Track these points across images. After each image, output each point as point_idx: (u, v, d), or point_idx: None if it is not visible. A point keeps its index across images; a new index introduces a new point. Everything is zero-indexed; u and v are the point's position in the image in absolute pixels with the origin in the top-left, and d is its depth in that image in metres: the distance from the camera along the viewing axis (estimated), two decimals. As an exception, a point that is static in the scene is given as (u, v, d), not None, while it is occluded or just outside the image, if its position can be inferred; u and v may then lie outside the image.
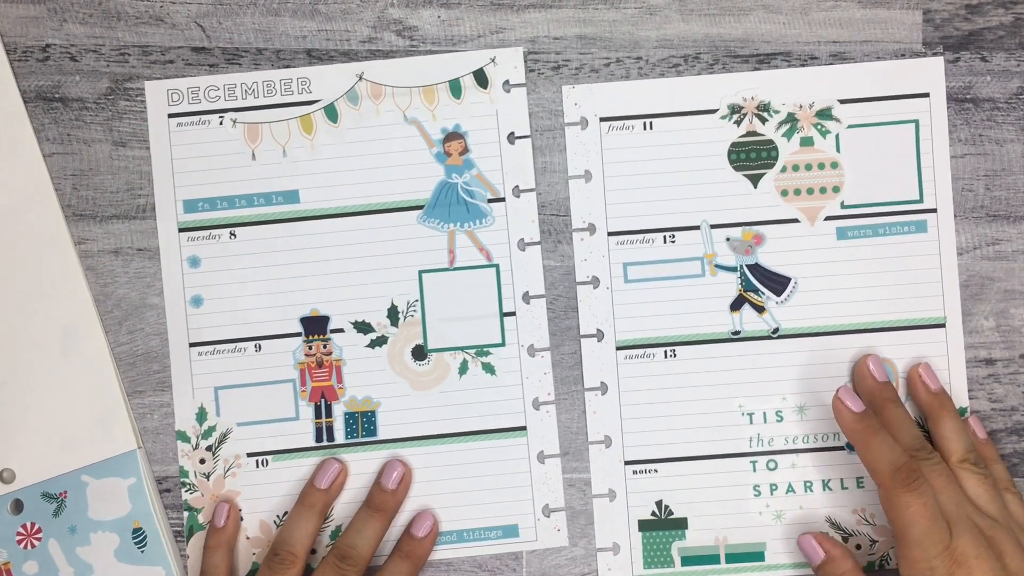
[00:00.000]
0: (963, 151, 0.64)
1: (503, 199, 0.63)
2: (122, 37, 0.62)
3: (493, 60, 0.63)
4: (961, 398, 0.62)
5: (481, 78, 0.63)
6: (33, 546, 0.60)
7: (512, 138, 0.63)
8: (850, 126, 0.63)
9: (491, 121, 0.63)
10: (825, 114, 0.63)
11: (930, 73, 0.63)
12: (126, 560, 0.60)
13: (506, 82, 0.63)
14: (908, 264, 0.63)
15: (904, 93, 0.63)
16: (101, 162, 0.62)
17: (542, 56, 0.63)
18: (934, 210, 0.63)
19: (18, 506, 0.61)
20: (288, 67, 0.62)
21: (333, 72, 0.62)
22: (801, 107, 0.63)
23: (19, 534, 0.60)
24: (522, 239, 0.62)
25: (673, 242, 0.62)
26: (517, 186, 0.63)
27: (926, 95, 0.63)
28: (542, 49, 0.63)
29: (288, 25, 0.63)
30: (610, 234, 0.63)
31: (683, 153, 0.63)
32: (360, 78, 0.63)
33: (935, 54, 0.63)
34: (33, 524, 0.60)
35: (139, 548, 0.60)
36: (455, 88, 0.63)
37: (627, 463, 0.62)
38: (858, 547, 0.62)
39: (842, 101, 0.63)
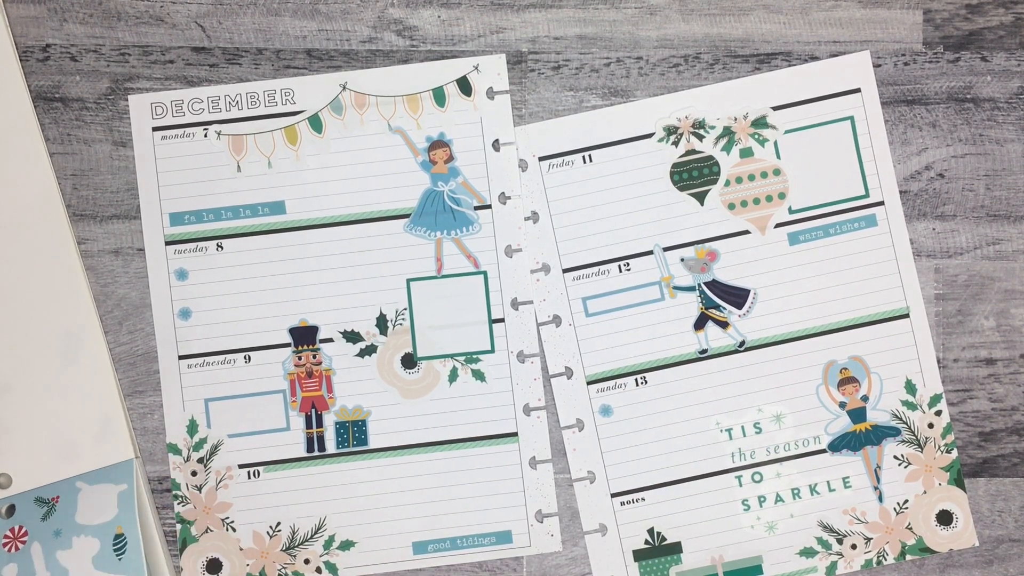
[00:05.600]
0: (963, 151, 0.63)
1: (489, 206, 0.62)
2: (122, 37, 0.63)
3: (476, 68, 0.62)
4: (933, 386, 0.62)
5: (465, 86, 0.62)
6: (17, 549, 0.60)
7: (497, 145, 0.62)
8: (787, 131, 0.63)
9: (475, 128, 0.62)
10: (761, 123, 0.63)
11: (859, 68, 0.63)
12: (102, 568, 0.60)
13: (490, 89, 0.62)
14: (863, 260, 0.63)
15: (835, 92, 0.63)
16: (101, 162, 0.62)
17: (542, 56, 0.63)
18: (881, 203, 0.63)
19: (11, 511, 0.61)
20: (289, 67, 0.62)
21: (317, 83, 0.62)
22: (736, 119, 0.63)
23: (6, 537, 0.60)
24: (509, 246, 0.62)
25: (628, 270, 0.62)
26: (503, 193, 0.62)
27: (857, 90, 0.63)
28: (542, 49, 0.63)
29: (288, 25, 0.63)
30: (565, 271, 0.62)
31: (626, 181, 0.63)
32: (344, 88, 0.62)
33: (935, 54, 0.63)
34: (21, 528, 0.61)
35: (117, 555, 0.60)
36: (439, 96, 0.62)
37: (614, 495, 0.62)
38: (853, 547, 0.62)
39: (775, 108, 0.63)
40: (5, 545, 0.61)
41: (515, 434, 0.62)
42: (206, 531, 0.62)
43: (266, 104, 0.62)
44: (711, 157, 0.63)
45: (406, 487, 0.62)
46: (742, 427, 0.62)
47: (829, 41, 0.63)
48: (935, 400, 0.62)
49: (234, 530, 0.62)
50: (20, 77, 0.62)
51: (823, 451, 0.62)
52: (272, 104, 0.62)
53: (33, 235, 0.62)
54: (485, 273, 0.62)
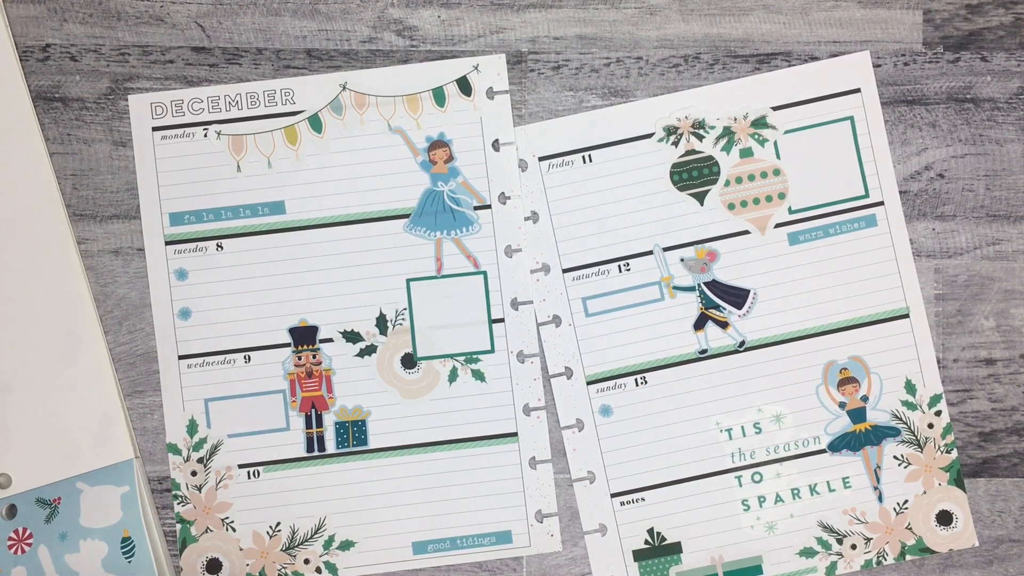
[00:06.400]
0: (963, 151, 0.63)
1: (489, 206, 0.62)
2: (122, 37, 0.63)
3: (476, 68, 0.62)
4: (933, 386, 0.62)
5: (464, 86, 0.62)
6: (23, 551, 0.61)
7: (497, 145, 0.62)
8: (787, 131, 0.63)
9: (475, 128, 0.62)
10: (760, 123, 0.63)
11: (859, 68, 0.63)
12: (112, 570, 0.60)
13: (489, 89, 0.62)
14: (863, 260, 0.62)
15: (835, 92, 0.63)
16: (101, 162, 0.62)
17: (542, 56, 0.63)
18: (881, 203, 0.63)
19: (12, 511, 0.61)
20: (288, 67, 0.62)
21: (317, 82, 0.62)
22: (736, 119, 0.62)
23: (10, 539, 0.61)
24: (509, 246, 0.62)
25: (628, 270, 0.62)
26: (503, 193, 0.62)
27: (857, 91, 0.63)
28: (542, 49, 0.63)
29: (288, 25, 0.63)
30: (565, 271, 0.62)
31: (626, 181, 0.63)
32: (344, 88, 0.62)
33: (935, 54, 0.63)
34: (24, 530, 0.61)
35: (127, 558, 0.60)
36: (439, 96, 0.62)
37: (613, 495, 0.62)
38: (853, 547, 0.62)
39: (775, 108, 0.63)
40: (11, 547, 0.61)
41: (515, 434, 0.62)
42: (206, 531, 0.62)
43: (266, 104, 0.62)
44: (711, 157, 0.63)
45: (406, 487, 0.62)
46: (742, 427, 0.62)
47: (829, 41, 0.63)
48: (935, 400, 0.62)
49: (234, 530, 0.62)
50: (20, 77, 0.62)
51: (823, 451, 0.62)
52: (272, 104, 0.62)
53: (33, 235, 0.62)
54: (485, 273, 0.62)
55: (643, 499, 0.62)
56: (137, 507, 0.61)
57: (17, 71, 0.62)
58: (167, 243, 0.62)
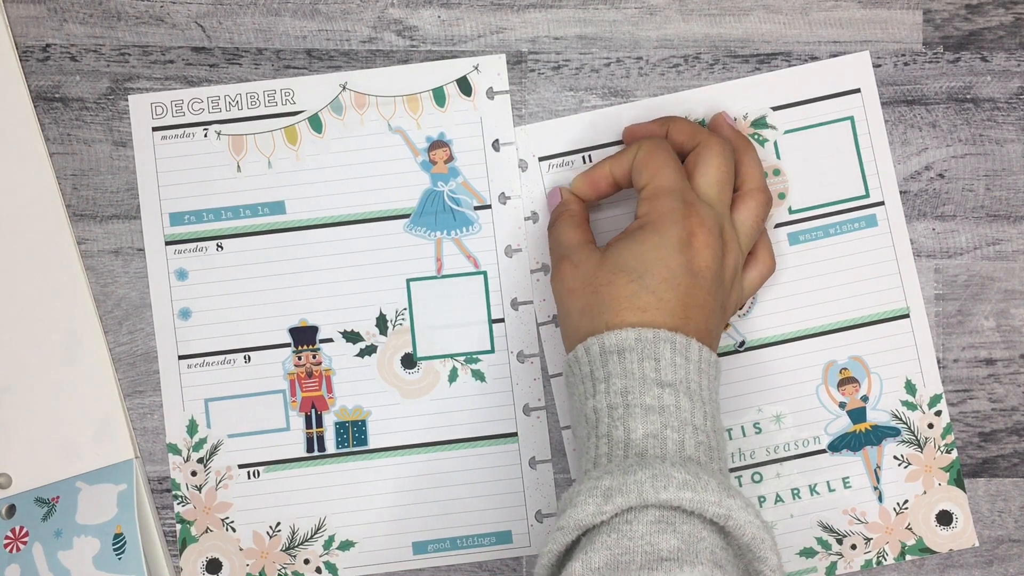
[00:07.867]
0: (963, 151, 0.63)
1: (489, 206, 0.62)
2: (122, 37, 0.63)
3: (476, 68, 0.62)
4: (933, 386, 0.62)
5: (465, 86, 0.62)
6: (18, 550, 0.60)
7: (497, 145, 0.62)
8: (787, 131, 0.63)
9: (475, 129, 0.62)
10: (760, 123, 0.63)
11: (858, 68, 0.63)
12: (103, 567, 0.60)
13: (490, 89, 0.62)
14: (864, 260, 0.62)
15: (835, 92, 0.63)
16: (101, 162, 0.62)
17: (542, 56, 0.63)
18: (881, 203, 0.63)
19: (11, 510, 0.61)
20: (289, 67, 0.62)
21: (317, 83, 0.62)
22: (736, 119, 0.62)
23: (7, 538, 0.61)
24: (509, 246, 0.62)
25: None
26: (503, 193, 0.62)
27: (857, 91, 0.63)
28: (542, 49, 0.63)
29: (288, 25, 0.63)
30: None
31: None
32: (344, 88, 0.62)
33: (935, 54, 0.63)
34: (21, 528, 0.61)
35: (117, 555, 0.60)
36: (439, 96, 0.62)
37: None
38: (853, 547, 0.61)
39: (775, 108, 0.63)
40: (7, 546, 0.61)
41: (515, 434, 0.62)
42: (206, 531, 0.62)
43: (266, 104, 0.62)
44: (712, 157, 0.63)
45: (406, 487, 0.62)
46: (742, 427, 0.61)
47: (829, 41, 0.63)
48: (935, 400, 0.62)
49: (234, 530, 0.62)
50: (20, 77, 0.62)
51: (823, 451, 0.62)
52: (272, 104, 0.62)
53: (33, 235, 0.62)
54: (485, 273, 0.62)
55: (643, 499, 0.62)
56: (132, 504, 0.61)
57: (17, 71, 0.62)
58: (167, 243, 0.62)
